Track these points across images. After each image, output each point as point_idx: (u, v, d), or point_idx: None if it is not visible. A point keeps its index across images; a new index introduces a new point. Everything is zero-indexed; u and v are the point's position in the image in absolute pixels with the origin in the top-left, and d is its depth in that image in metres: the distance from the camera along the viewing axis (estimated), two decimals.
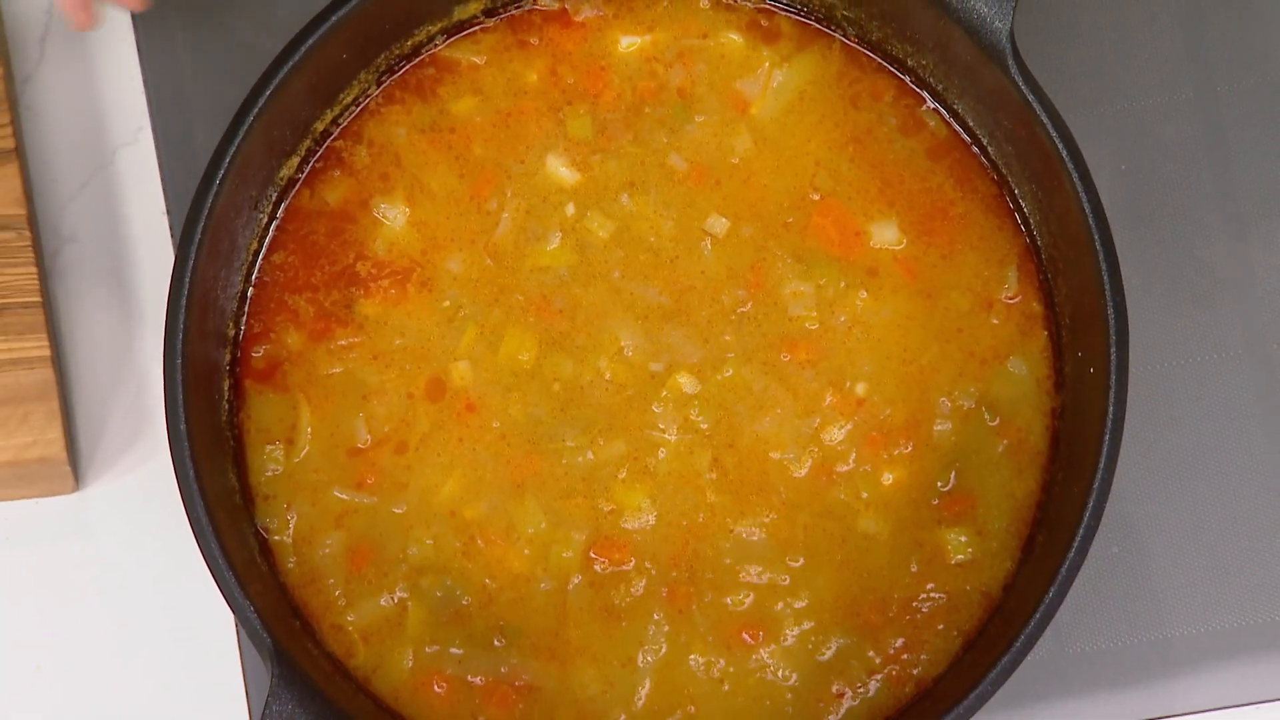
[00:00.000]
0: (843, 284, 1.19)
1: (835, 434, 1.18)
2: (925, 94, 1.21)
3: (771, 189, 1.20)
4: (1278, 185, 1.27)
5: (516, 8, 1.22)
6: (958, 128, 1.21)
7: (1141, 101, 1.27)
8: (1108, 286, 1.13)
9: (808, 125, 1.21)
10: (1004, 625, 1.14)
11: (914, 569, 1.17)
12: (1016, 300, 1.19)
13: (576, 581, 1.16)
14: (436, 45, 1.21)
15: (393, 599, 1.17)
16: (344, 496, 1.17)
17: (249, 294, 1.19)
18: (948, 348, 1.19)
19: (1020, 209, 1.19)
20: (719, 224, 1.19)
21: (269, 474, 1.17)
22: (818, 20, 1.21)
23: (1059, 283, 1.18)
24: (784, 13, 1.22)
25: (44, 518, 1.24)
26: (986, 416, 1.18)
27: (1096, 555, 1.16)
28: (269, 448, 1.17)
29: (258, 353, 1.18)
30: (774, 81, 1.21)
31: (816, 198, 1.20)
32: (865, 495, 1.18)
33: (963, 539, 1.17)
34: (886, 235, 1.20)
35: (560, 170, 1.20)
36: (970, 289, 1.19)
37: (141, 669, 1.23)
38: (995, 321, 1.19)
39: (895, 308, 1.19)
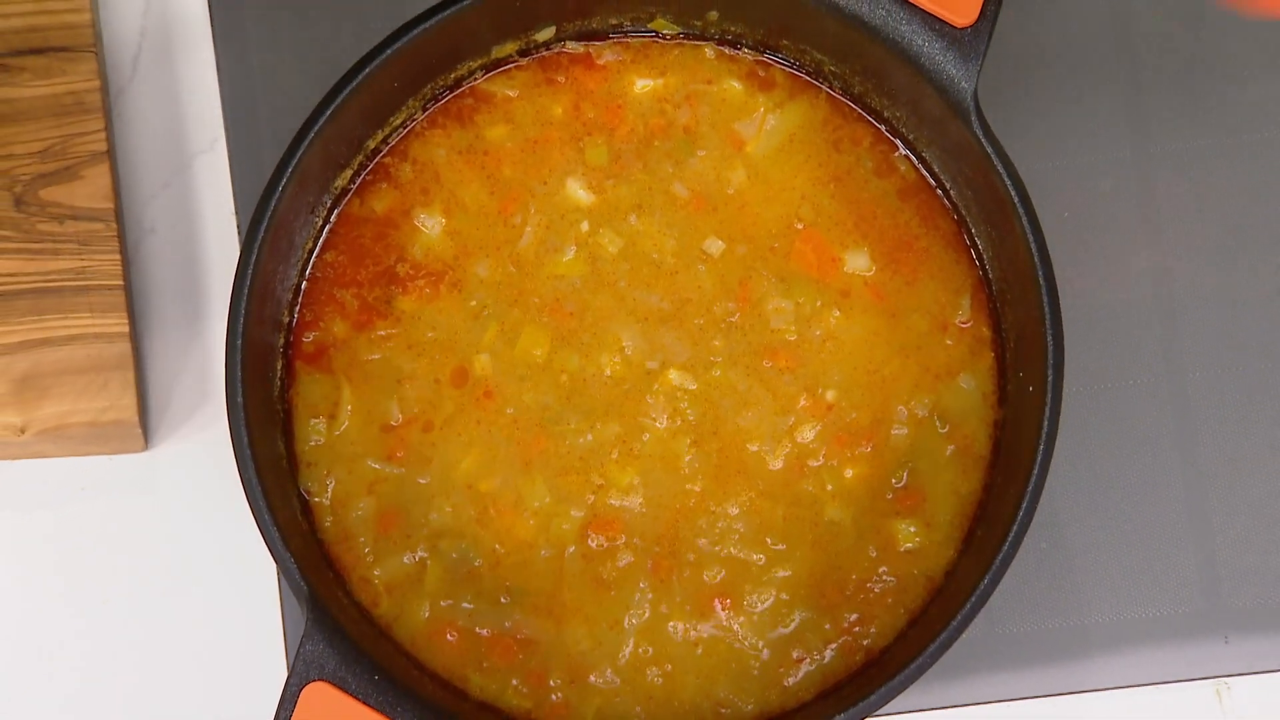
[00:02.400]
0: (819, 303, 1.19)
1: (807, 433, 1.18)
2: (898, 142, 1.21)
3: (761, 217, 1.20)
4: (1197, 236, 1.26)
5: (547, 50, 1.21)
6: (925, 173, 1.20)
7: (1085, 158, 1.27)
8: (1048, 317, 1.14)
9: (795, 164, 1.21)
10: (944, 606, 1.15)
11: (872, 554, 1.18)
12: (968, 325, 1.19)
13: (571, 551, 1.17)
14: (476, 79, 1.21)
15: (414, 558, 1.18)
16: (376, 466, 1.18)
17: (303, 287, 1.19)
18: (907, 363, 1.19)
19: (976, 245, 1.20)
20: (715, 245, 1.20)
21: (312, 444, 1.18)
22: (808, 73, 1.21)
23: (1006, 311, 1.19)
24: (779, 65, 1.21)
25: (116, 472, 1.25)
26: (938, 424, 1.19)
27: (1027, 549, 1.18)
28: (313, 421, 1.18)
29: (308, 338, 1.19)
30: (768, 124, 1.21)
31: (800, 227, 1.20)
32: (830, 488, 1.18)
33: (912, 529, 1.18)
34: (858, 262, 1.20)
35: (578, 192, 1.21)
36: (929, 313, 1.20)
37: (194, 608, 1.24)
38: (949, 342, 1.19)
39: (864, 325, 1.19)
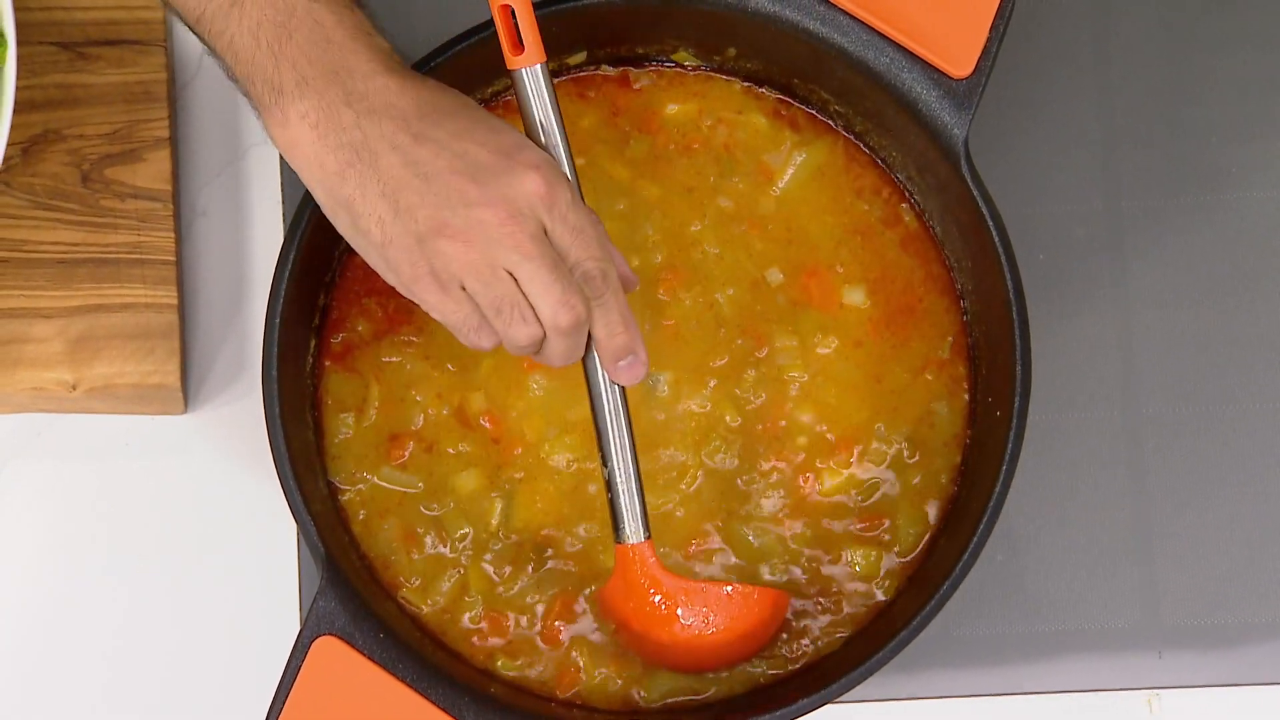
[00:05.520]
0: (823, 335, 1.20)
1: (796, 449, 1.19)
2: (904, 190, 1.21)
3: (783, 240, 1.21)
4: (1159, 283, 1.26)
5: (581, 71, 1.22)
6: (924, 224, 1.21)
7: (1062, 207, 1.27)
8: (1019, 346, 1.14)
9: (819, 202, 1.21)
10: (907, 606, 1.16)
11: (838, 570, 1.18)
12: (948, 363, 1.20)
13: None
14: (510, 95, 1.21)
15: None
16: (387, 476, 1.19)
17: (335, 281, 1.19)
18: (892, 396, 1.20)
19: (962, 288, 1.20)
20: (776, 276, 1.20)
21: (340, 438, 1.18)
22: (818, 110, 1.21)
23: (981, 341, 1.19)
24: (796, 105, 1.22)
25: (156, 432, 1.25)
26: (906, 454, 1.19)
27: (984, 560, 1.17)
28: (342, 415, 1.18)
29: (336, 339, 1.19)
30: (795, 160, 1.21)
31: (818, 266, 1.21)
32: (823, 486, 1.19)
33: (872, 556, 1.18)
34: (855, 297, 1.20)
35: (617, 169, 1.20)
36: (916, 350, 1.20)
37: (221, 562, 1.24)
38: (929, 377, 1.20)
39: (862, 352, 1.20)
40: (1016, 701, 1.24)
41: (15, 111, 1.15)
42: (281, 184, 1.27)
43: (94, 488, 1.25)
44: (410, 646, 1.13)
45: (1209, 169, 1.28)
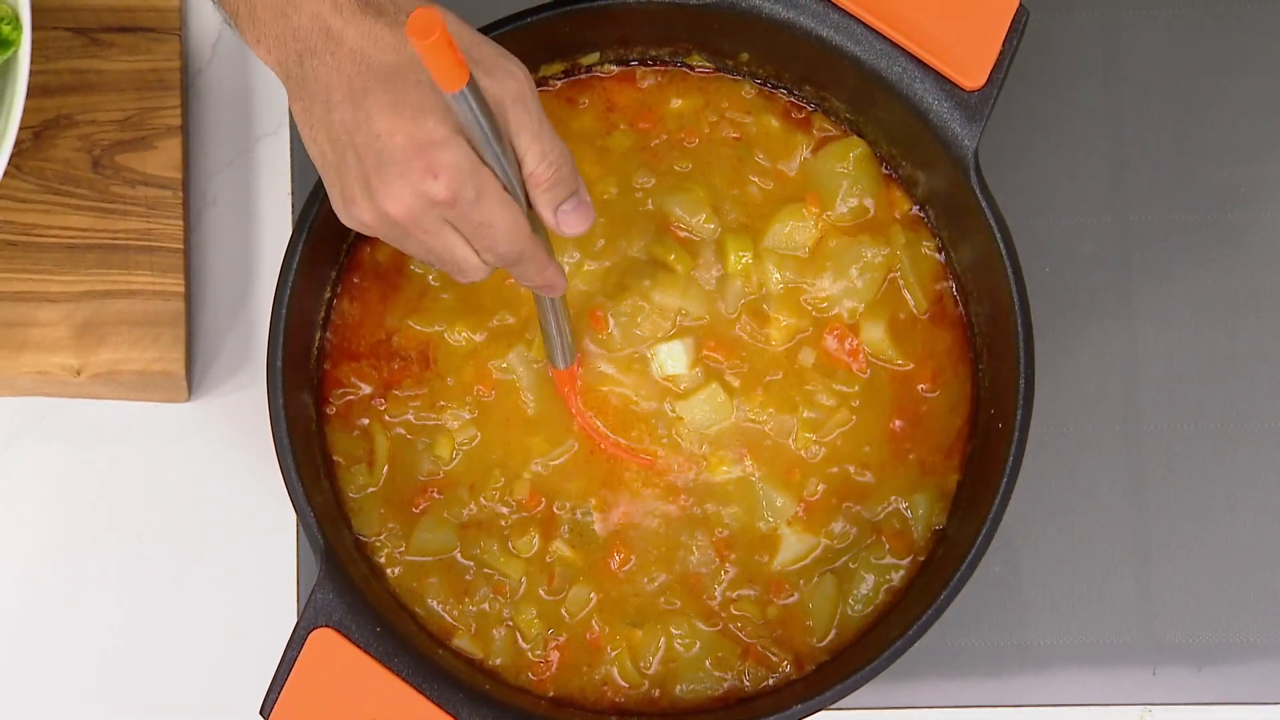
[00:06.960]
0: (843, 387, 1.20)
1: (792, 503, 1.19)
2: (937, 239, 1.20)
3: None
4: (1164, 298, 1.27)
5: (587, 73, 1.22)
6: (961, 306, 1.20)
7: (1069, 220, 1.27)
8: (1022, 356, 1.14)
9: (854, 239, 1.20)
10: (904, 614, 1.16)
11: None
12: (956, 446, 1.19)
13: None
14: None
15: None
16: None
17: (341, 276, 1.19)
18: (893, 459, 1.19)
19: (970, 298, 1.19)
20: (807, 357, 1.20)
21: (349, 473, 1.19)
22: (831, 116, 1.21)
23: (985, 353, 1.19)
24: (810, 108, 1.21)
25: (159, 419, 1.25)
26: (912, 517, 1.19)
27: (981, 571, 1.15)
28: (350, 461, 1.19)
29: (334, 375, 1.20)
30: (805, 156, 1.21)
31: (846, 310, 1.20)
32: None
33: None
34: (874, 335, 1.20)
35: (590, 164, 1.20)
36: (933, 427, 1.19)
37: (220, 551, 1.25)
38: (936, 458, 1.20)
39: (871, 411, 1.20)
40: (1009, 714, 1.25)
41: (28, 96, 1.16)
42: (292, 173, 1.28)
43: (95, 473, 1.25)
44: (406, 641, 1.13)
45: (1217, 186, 1.29)
